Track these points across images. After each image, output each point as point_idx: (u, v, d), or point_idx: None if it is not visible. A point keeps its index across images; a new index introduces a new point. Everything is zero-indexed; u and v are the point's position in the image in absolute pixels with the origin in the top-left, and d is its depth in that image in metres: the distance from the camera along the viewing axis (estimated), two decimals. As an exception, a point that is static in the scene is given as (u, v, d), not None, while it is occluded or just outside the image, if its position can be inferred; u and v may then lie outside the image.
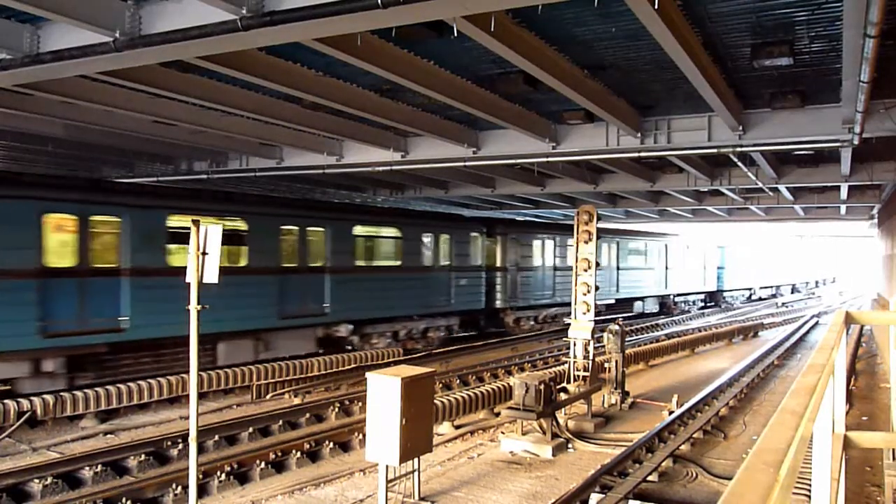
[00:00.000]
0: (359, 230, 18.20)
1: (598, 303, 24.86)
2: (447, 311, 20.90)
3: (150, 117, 12.19)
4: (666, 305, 34.61)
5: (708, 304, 39.44)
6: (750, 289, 46.10)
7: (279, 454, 9.50)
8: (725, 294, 41.61)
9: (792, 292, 55.29)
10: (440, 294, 20.54)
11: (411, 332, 19.69)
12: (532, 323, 24.91)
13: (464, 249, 21.53)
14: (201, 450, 8.68)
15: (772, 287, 50.48)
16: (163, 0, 7.01)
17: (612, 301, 28.85)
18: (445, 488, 8.25)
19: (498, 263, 23.39)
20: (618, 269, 29.52)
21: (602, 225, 29.99)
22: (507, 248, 23.75)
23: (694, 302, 37.82)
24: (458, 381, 14.95)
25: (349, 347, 17.42)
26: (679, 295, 35.63)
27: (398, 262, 19.54)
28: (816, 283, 69.15)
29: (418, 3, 5.56)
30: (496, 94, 10.91)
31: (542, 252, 25.82)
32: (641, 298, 31.97)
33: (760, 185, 17.97)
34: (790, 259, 55.20)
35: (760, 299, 46.82)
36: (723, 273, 40.71)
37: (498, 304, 23.24)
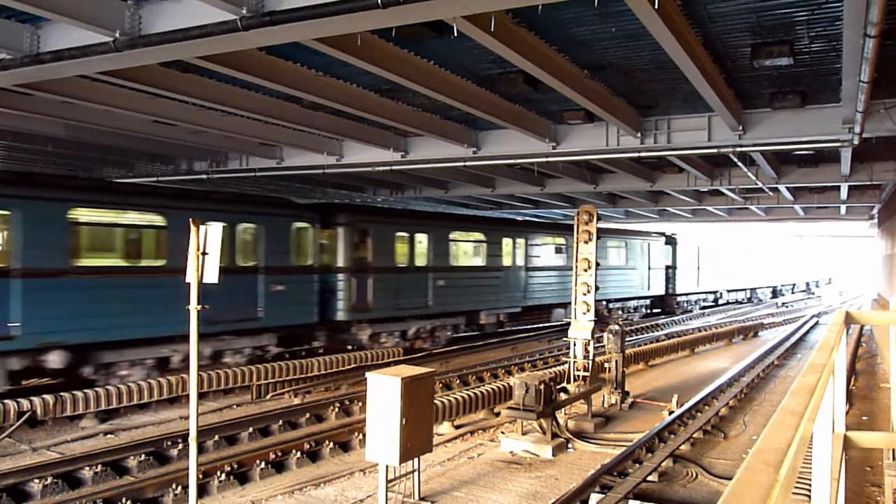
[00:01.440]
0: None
1: (502, 312, 22.64)
2: (255, 327, 15.10)
3: (150, 117, 12.19)
4: (598, 312, 29.59)
5: (653, 311, 33.54)
6: (714, 292, 40.04)
7: (279, 454, 9.50)
8: (679, 298, 35.83)
9: (774, 296, 49.38)
10: (242, 305, 14.67)
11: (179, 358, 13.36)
12: (398, 339, 19.01)
13: (281, 245, 15.95)
14: (201, 450, 8.68)
15: (745, 290, 44.85)
16: (163, 0, 7.01)
17: (518, 309, 24.05)
18: (445, 488, 8.25)
19: (340, 263, 17.64)
20: (527, 269, 24.49)
21: (502, 214, 29.10)
22: (357, 242, 17.91)
23: (635, 308, 32.01)
24: (458, 381, 14.95)
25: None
26: (616, 300, 29.63)
27: (156, 262, 13.60)
28: (808, 285, 62.77)
29: (418, 3, 5.57)
30: (496, 94, 10.92)
31: (425, 248, 19.98)
32: (563, 305, 25.44)
33: (760, 185, 17.98)
34: (774, 258, 50.09)
35: (728, 303, 41.45)
36: (674, 273, 35.00)
37: (340, 315, 17.38)
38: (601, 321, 27.12)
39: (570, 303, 15.85)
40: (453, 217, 25.29)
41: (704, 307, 38.38)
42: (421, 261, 19.82)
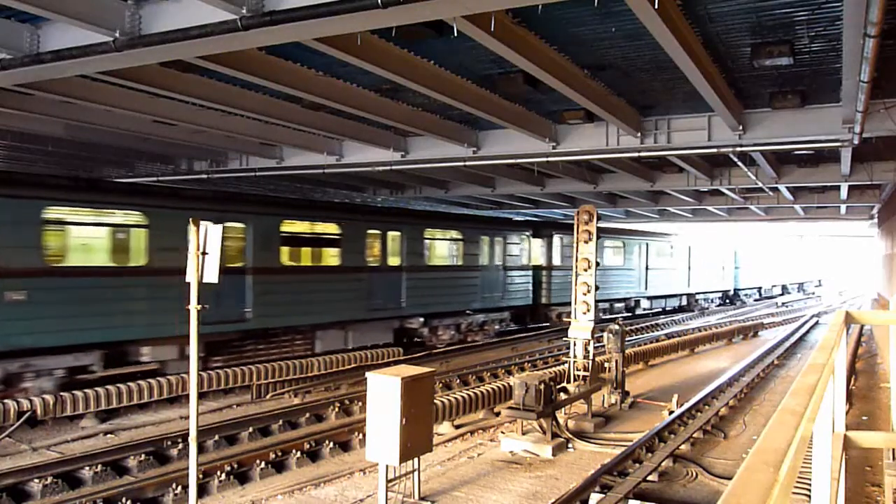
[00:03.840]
0: None
1: (414, 321, 18.81)
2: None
3: (150, 117, 12.20)
4: (537, 314, 25.65)
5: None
6: (677, 295, 35.85)
7: (279, 454, 9.50)
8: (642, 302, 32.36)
9: (726, 302, 42.01)
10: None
11: None
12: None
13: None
14: (201, 450, 8.68)
15: (718, 292, 40.69)
16: (163, 0, 7.01)
17: (482, 315, 21.68)
18: (445, 488, 8.25)
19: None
20: (482, 269, 21.68)
21: (418, 206, 25.14)
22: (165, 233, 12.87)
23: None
24: (458, 380, 14.94)
25: None
26: (553, 305, 25.52)
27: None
28: (785, 289, 54.95)
29: (418, 2, 5.57)
30: (496, 94, 10.92)
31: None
32: (500, 309, 22.72)
33: (760, 184, 17.99)
34: (750, 258, 45.03)
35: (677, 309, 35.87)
36: (605, 277, 29.10)
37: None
38: (542, 320, 25.03)
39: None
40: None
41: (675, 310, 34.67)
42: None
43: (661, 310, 33.94)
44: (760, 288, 48.49)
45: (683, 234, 37.79)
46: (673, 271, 34.73)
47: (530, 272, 24.30)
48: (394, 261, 18.46)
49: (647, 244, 32.11)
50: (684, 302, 36.56)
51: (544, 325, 25.50)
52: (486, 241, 21.93)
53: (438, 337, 19.91)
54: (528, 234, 24.38)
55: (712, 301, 40.06)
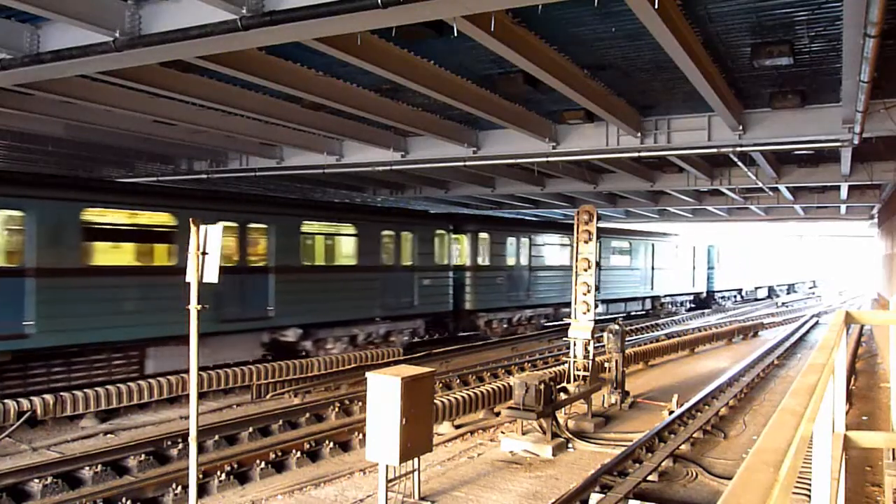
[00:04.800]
0: None
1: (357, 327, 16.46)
2: None
3: (150, 117, 12.20)
4: (461, 321, 22.58)
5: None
6: (638, 298, 32.32)
7: (279, 454, 9.50)
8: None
9: (699, 306, 37.82)
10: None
11: None
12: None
13: None
14: (201, 449, 8.68)
15: (689, 295, 37.26)
16: (163, 0, 7.01)
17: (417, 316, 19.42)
18: (445, 488, 8.25)
19: None
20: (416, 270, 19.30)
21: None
22: None
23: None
24: (458, 380, 14.95)
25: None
26: (481, 312, 22.25)
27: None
28: (780, 289, 51.19)
29: (418, 2, 5.57)
30: (496, 94, 10.92)
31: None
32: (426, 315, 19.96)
33: (760, 184, 17.99)
34: (728, 257, 41.08)
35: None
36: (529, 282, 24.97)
37: None
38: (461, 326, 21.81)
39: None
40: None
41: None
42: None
43: (621, 315, 29.93)
44: (741, 290, 43.96)
45: (647, 230, 34.53)
46: (634, 272, 31.05)
47: (450, 274, 20.74)
48: (258, 260, 15.13)
49: (600, 242, 28.08)
50: (648, 306, 32.61)
51: (472, 334, 21.90)
52: (390, 236, 18.53)
53: (327, 350, 16.47)
54: (446, 229, 20.71)
55: (682, 304, 36.26)
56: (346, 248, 17.79)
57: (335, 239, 17.65)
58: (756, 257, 45.81)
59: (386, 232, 18.34)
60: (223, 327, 13.79)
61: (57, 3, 6.56)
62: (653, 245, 32.74)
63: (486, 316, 22.10)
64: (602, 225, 30.65)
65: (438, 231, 20.28)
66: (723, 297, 41.31)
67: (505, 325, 23.18)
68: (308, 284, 15.87)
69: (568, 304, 24.45)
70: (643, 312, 32.51)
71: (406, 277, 18.85)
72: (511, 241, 23.52)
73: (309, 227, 16.36)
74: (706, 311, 36.12)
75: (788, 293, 53.29)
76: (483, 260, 22.06)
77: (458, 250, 21.61)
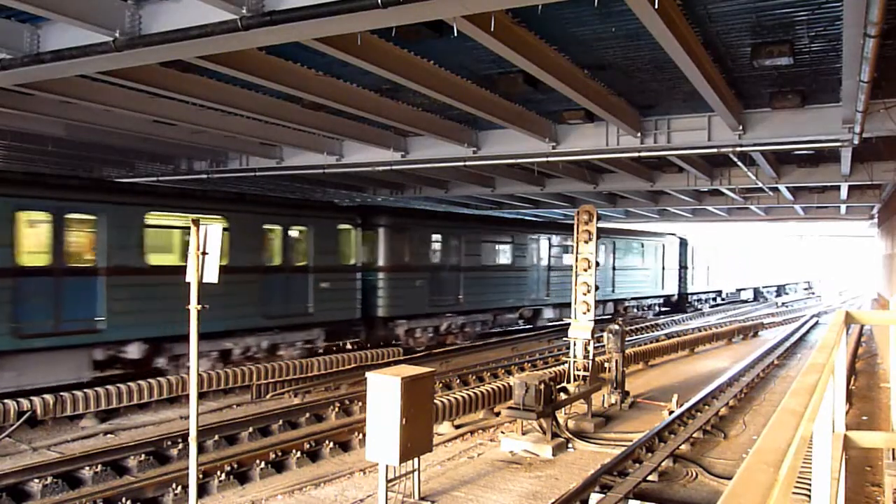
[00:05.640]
0: None
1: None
2: None
3: (150, 117, 12.20)
4: (373, 329, 19.41)
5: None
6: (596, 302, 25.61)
7: (279, 454, 9.50)
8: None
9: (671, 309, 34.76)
10: None
11: None
12: None
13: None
14: (201, 450, 8.68)
15: (658, 297, 34.08)
16: (163, 0, 7.01)
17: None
18: (445, 488, 8.25)
19: None
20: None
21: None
22: None
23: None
24: (458, 380, 14.95)
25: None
26: (399, 319, 19.16)
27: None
28: (769, 291, 47.80)
29: (418, 2, 5.56)
30: (496, 94, 10.92)
31: None
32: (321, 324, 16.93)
33: (760, 184, 17.99)
34: (706, 257, 37.89)
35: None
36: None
37: None
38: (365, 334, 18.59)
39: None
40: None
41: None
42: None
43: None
44: (720, 292, 40.22)
45: (607, 227, 30.29)
46: None
47: (358, 276, 17.93)
48: (82, 259, 12.49)
49: (548, 239, 25.51)
50: (609, 310, 29.24)
51: (391, 346, 18.15)
52: (276, 231, 15.96)
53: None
54: (353, 223, 17.90)
55: (649, 308, 32.98)
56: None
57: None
58: (739, 256, 42.22)
59: (270, 226, 15.64)
60: (26, 344, 11.24)
61: (57, 3, 6.56)
62: (613, 243, 29.38)
63: (405, 324, 19.05)
64: (545, 214, 28.47)
65: (342, 225, 17.58)
66: (699, 300, 37.76)
67: (430, 335, 19.90)
68: (156, 289, 12.92)
69: (509, 310, 23.52)
70: (604, 318, 27.79)
71: (298, 280, 16.13)
72: (437, 237, 20.46)
73: (157, 218, 13.51)
74: (681, 315, 32.40)
75: (779, 295, 49.42)
76: (401, 259, 19.04)
77: (369, 248, 18.56)
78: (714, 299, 39.41)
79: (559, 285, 25.04)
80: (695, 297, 37.05)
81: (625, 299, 30.67)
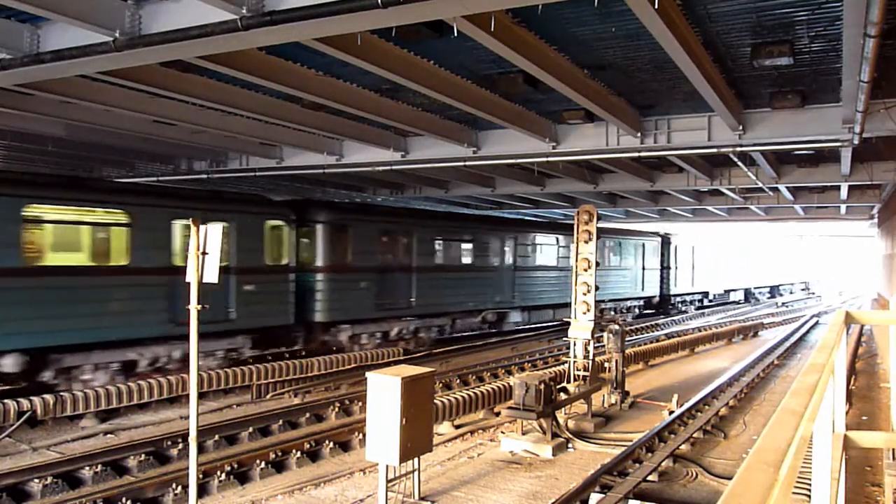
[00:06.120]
0: None
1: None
2: None
3: (150, 117, 12.20)
4: (311, 335, 17.62)
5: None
6: (565, 305, 24.25)
7: (279, 454, 9.50)
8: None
9: (654, 311, 32.94)
10: None
11: None
12: None
13: None
14: (201, 449, 8.68)
15: (636, 299, 31.87)
16: (163, 0, 7.01)
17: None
18: (445, 488, 8.25)
19: None
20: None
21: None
22: None
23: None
24: (458, 380, 14.95)
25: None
26: (341, 324, 17.45)
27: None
28: (760, 292, 45.47)
29: (418, 2, 5.56)
30: (496, 94, 10.92)
31: None
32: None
33: (760, 184, 17.99)
34: (690, 256, 35.81)
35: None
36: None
37: None
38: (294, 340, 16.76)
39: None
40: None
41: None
42: None
43: (543, 324, 25.42)
44: (707, 293, 38.26)
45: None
46: (562, 275, 25.20)
47: (291, 277, 16.21)
48: None
49: (514, 238, 23.90)
50: None
51: (334, 353, 16.42)
52: (189, 227, 13.11)
53: (87, 383, 12.10)
54: (285, 219, 16.22)
55: (628, 311, 30.82)
56: (113, 243, 13.04)
57: (91, 230, 12.99)
58: (728, 255, 40.15)
59: (181, 222, 13.64)
60: None
61: (57, 3, 6.56)
62: None
63: (349, 329, 17.41)
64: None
65: (272, 222, 15.86)
66: (683, 302, 35.88)
67: (378, 341, 18.26)
68: (36, 293, 11.36)
69: (470, 313, 21.87)
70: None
71: (220, 282, 14.66)
72: (385, 235, 18.93)
73: (39, 211, 11.83)
74: (663, 318, 30.33)
75: (772, 297, 47.50)
76: (343, 259, 17.45)
77: (306, 247, 17.07)
78: (700, 301, 37.74)
79: (526, 287, 23.79)
80: (678, 298, 35.29)
81: (601, 301, 28.12)
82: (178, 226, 13.68)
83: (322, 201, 20.23)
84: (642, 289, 31.73)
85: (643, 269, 31.77)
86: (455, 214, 24.24)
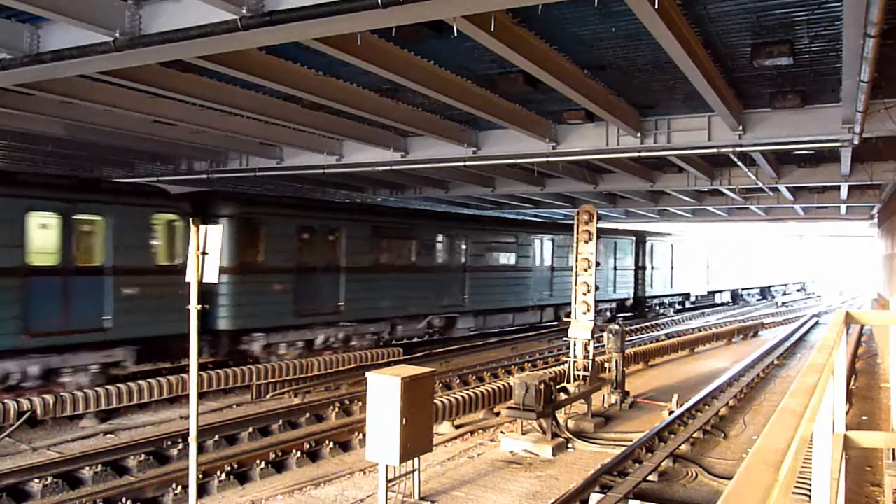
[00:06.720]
0: None
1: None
2: None
3: (150, 117, 12.19)
4: (217, 345, 15.58)
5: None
6: (527, 308, 24.88)
7: (279, 454, 9.51)
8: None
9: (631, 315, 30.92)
10: None
11: None
12: None
13: None
14: (201, 449, 8.68)
15: (609, 302, 29.33)
16: (163, 0, 7.01)
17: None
18: (445, 488, 8.25)
19: None
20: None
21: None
22: None
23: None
24: (458, 380, 14.95)
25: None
26: (256, 332, 15.52)
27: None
28: (749, 294, 43.54)
29: (418, 2, 5.56)
30: (496, 94, 10.91)
31: None
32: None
33: (760, 184, 17.98)
34: (669, 255, 34.09)
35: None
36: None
37: None
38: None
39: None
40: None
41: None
42: None
43: (503, 329, 23.97)
44: (688, 295, 36.40)
45: (545, 223, 28.01)
46: (522, 274, 24.06)
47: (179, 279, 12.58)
48: None
49: (466, 236, 22.11)
50: (548, 316, 25.72)
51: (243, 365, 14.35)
52: (51, 221, 12.00)
53: None
54: (180, 213, 14.11)
55: (598, 314, 25.38)
56: None
57: None
58: (713, 255, 38.08)
59: (40, 214, 11.76)
60: None
61: (57, 3, 6.55)
62: (553, 241, 25.84)
63: (262, 338, 15.46)
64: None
65: (161, 215, 13.80)
66: (661, 304, 34.02)
67: (300, 350, 16.33)
68: None
69: (412, 318, 19.76)
70: (543, 326, 25.20)
71: (90, 285, 12.25)
72: (306, 231, 16.73)
73: None
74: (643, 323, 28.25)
75: (762, 298, 45.49)
76: (254, 258, 15.55)
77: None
78: (681, 303, 35.78)
79: (481, 289, 21.94)
80: (655, 300, 33.31)
81: (566, 304, 26.59)
82: (34, 219, 11.60)
83: (228, 192, 17.93)
84: (614, 291, 29.65)
85: (615, 269, 29.69)
86: (394, 209, 22.18)
